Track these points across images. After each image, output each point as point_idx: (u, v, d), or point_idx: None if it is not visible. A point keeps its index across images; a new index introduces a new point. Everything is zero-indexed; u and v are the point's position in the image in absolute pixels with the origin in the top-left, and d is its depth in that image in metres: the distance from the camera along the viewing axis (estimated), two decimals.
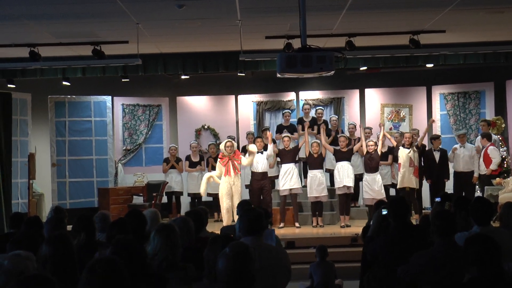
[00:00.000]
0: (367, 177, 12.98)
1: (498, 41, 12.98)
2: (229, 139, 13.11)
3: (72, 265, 4.31)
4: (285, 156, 13.16)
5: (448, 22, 11.12)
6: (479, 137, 14.02)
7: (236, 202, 12.08)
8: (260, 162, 13.06)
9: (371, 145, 12.96)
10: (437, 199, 7.50)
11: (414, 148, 12.88)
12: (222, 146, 12.78)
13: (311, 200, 13.08)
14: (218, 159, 12.80)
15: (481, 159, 13.32)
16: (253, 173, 13.19)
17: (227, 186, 12.58)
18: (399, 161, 12.92)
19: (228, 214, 12.45)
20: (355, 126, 14.28)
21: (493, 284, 4.07)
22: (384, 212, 6.54)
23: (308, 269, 8.15)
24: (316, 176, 12.99)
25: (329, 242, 10.96)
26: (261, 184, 12.96)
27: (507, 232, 5.92)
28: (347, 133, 14.16)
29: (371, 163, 12.94)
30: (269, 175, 13.23)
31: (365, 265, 6.75)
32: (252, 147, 12.91)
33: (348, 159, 13.07)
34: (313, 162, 13.06)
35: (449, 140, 15.02)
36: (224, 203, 12.57)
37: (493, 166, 13.08)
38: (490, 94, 15.52)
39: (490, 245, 4.20)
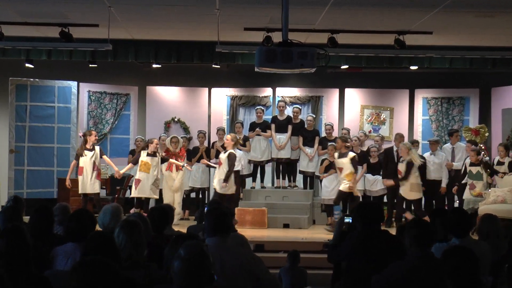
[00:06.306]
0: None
1: (486, 46, 13.12)
2: (175, 135, 14.05)
3: (26, 260, 4.28)
4: None
5: (436, 24, 11.21)
6: (448, 144, 14.30)
7: (178, 198, 13.62)
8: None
9: (374, 151, 13.78)
10: None
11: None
12: (169, 140, 13.80)
13: (325, 202, 13.58)
14: (163, 153, 13.73)
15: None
16: None
17: (168, 182, 13.62)
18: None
19: None
20: (332, 127, 14.40)
21: None
22: (347, 220, 6.63)
23: (278, 273, 8.20)
24: (331, 179, 13.47)
25: (300, 247, 10.98)
26: None
27: (486, 244, 6.00)
28: (324, 134, 14.41)
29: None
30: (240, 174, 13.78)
31: (337, 272, 6.79)
32: None
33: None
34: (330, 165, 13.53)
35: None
36: (165, 199, 13.45)
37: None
38: (474, 101, 15.67)
39: (469, 257, 4.24)
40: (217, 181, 12.96)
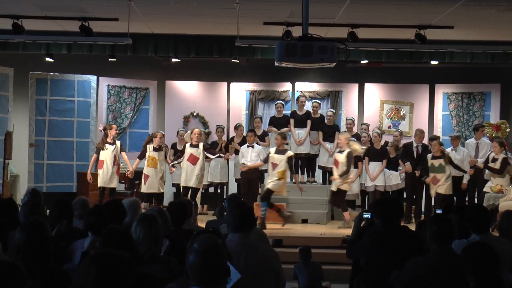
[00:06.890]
0: None
1: (507, 41, 13.03)
2: (196, 128, 13.57)
3: (46, 253, 4.30)
4: None
5: (457, 18, 11.14)
6: (472, 139, 14.13)
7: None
8: (250, 156, 13.30)
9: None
10: (438, 211, 7.54)
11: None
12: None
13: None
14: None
15: None
16: (243, 165, 13.39)
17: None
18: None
19: None
20: (353, 122, 14.40)
21: None
22: (366, 215, 6.61)
23: (292, 270, 8.20)
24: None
25: (319, 242, 11.00)
26: (249, 177, 13.19)
27: (507, 241, 5.95)
28: (343, 129, 14.40)
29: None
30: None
31: (356, 268, 6.77)
32: None
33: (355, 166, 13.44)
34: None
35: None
36: (182, 193, 13.07)
37: None
38: (496, 96, 15.54)
39: (489, 253, 4.23)
40: (194, 177, 12.68)
